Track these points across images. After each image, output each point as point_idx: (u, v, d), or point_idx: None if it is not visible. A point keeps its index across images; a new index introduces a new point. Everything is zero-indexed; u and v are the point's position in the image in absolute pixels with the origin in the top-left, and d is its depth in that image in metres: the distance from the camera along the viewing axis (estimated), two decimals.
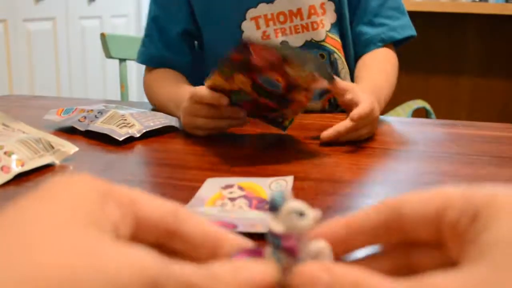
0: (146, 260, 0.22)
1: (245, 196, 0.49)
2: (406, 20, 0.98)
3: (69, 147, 0.62)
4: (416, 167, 0.63)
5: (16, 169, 0.55)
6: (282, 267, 0.26)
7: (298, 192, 0.52)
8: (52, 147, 0.61)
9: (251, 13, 0.91)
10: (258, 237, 0.42)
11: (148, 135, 0.72)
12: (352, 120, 0.67)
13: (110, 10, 2.80)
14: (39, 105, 0.97)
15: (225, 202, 0.48)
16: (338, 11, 0.94)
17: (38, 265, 0.19)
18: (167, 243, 0.26)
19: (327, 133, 0.69)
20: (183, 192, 0.52)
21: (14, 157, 0.56)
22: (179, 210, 0.27)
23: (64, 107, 0.80)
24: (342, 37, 0.96)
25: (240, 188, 0.51)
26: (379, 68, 0.92)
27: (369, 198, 0.53)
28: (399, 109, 1.79)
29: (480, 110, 2.30)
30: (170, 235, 0.26)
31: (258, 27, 0.92)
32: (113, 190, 0.25)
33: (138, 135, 0.70)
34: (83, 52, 2.62)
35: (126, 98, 1.44)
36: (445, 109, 2.30)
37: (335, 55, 0.94)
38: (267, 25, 0.92)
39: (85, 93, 2.66)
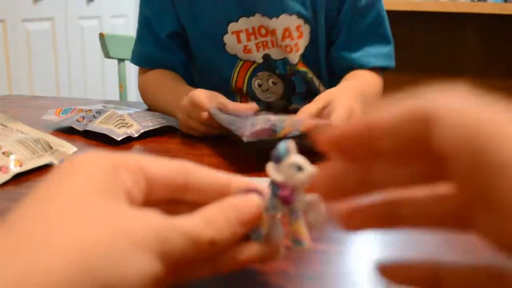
0: (155, 219, 0.25)
1: None
2: (390, 49, 0.94)
3: (68, 147, 0.62)
4: None
5: (14, 169, 0.55)
6: (276, 213, 0.30)
7: None
8: (51, 147, 0.61)
9: (233, 27, 0.90)
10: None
11: (146, 135, 0.72)
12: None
13: (109, 10, 2.80)
14: (38, 105, 0.97)
15: None
16: (314, 34, 0.92)
17: (67, 241, 0.22)
18: (181, 197, 0.29)
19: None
20: None
21: (12, 157, 0.56)
22: (185, 166, 0.30)
23: (63, 107, 0.80)
24: (316, 61, 0.94)
25: None
26: (365, 79, 0.90)
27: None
28: None
29: None
30: (181, 189, 0.29)
31: (239, 41, 0.91)
32: (122, 160, 0.27)
33: (136, 135, 0.70)
34: (82, 52, 2.62)
35: (125, 98, 1.44)
36: None
37: (309, 75, 0.94)
38: (248, 40, 0.91)
39: (85, 93, 2.66)
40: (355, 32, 0.92)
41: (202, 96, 0.71)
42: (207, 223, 0.27)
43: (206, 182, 0.30)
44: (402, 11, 2.11)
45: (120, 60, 1.43)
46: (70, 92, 2.55)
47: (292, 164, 0.28)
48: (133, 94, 2.83)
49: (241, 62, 0.94)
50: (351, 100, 0.72)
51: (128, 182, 0.27)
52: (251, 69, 0.94)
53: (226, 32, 0.91)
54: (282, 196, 0.29)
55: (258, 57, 0.93)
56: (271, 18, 0.88)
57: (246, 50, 0.92)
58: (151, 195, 0.28)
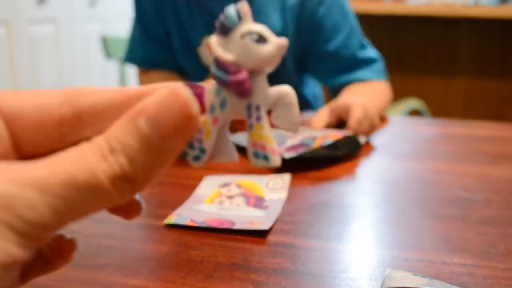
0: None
1: (243, 194, 0.50)
2: (378, 66, 0.94)
3: None
4: (411, 165, 0.63)
5: None
6: (226, 114, 0.19)
7: (295, 190, 0.52)
8: None
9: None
10: (256, 233, 0.42)
11: None
12: (351, 127, 0.68)
13: (112, 12, 2.80)
14: None
15: (223, 200, 0.49)
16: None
17: None
18: (77, 134, 0.20)
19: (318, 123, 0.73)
20: (182, 190, 0.53)
21: None
22: (73, 91, 0.20)
23: None
24: (282, 81, 0.97)
25: (238, 186, 0.52)
26: (363, 84, 0.91)
27: (366, 196, 0.53)
28: (393, 108, 1.80)
29: (474, 110, 2.31)
30: (73, 123, 0.20)
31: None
32: None
33: None
34: (85, 55, 2.63)
35: None
36: (439, 108, 2.31)
37: None
38: None
39: None
40: (338, 67, 0.93)
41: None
42: (107, 150, 0.17)
43: (109, 103, 0.20)
44: (397, 16, 2.12)
45: (122, 63, 1.44)
46: None
47: (248, 33, 0.19)
48: None
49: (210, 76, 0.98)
50: (358, 98, 0.75)
51: None
52: None
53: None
54: (235, 82, 0.18)
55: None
56: None
57: None
58: (24, 140, 0.20)
